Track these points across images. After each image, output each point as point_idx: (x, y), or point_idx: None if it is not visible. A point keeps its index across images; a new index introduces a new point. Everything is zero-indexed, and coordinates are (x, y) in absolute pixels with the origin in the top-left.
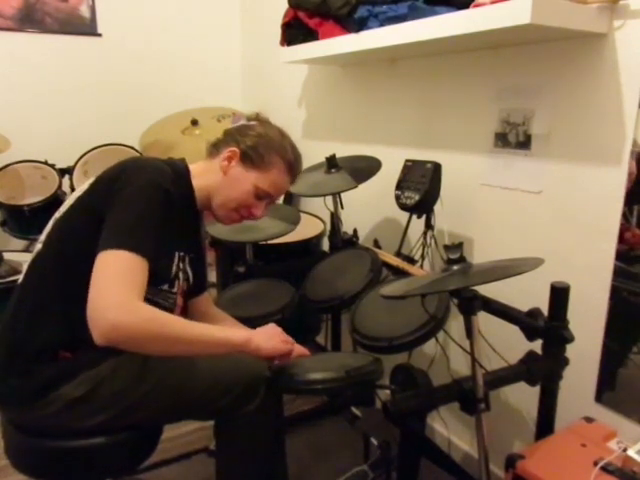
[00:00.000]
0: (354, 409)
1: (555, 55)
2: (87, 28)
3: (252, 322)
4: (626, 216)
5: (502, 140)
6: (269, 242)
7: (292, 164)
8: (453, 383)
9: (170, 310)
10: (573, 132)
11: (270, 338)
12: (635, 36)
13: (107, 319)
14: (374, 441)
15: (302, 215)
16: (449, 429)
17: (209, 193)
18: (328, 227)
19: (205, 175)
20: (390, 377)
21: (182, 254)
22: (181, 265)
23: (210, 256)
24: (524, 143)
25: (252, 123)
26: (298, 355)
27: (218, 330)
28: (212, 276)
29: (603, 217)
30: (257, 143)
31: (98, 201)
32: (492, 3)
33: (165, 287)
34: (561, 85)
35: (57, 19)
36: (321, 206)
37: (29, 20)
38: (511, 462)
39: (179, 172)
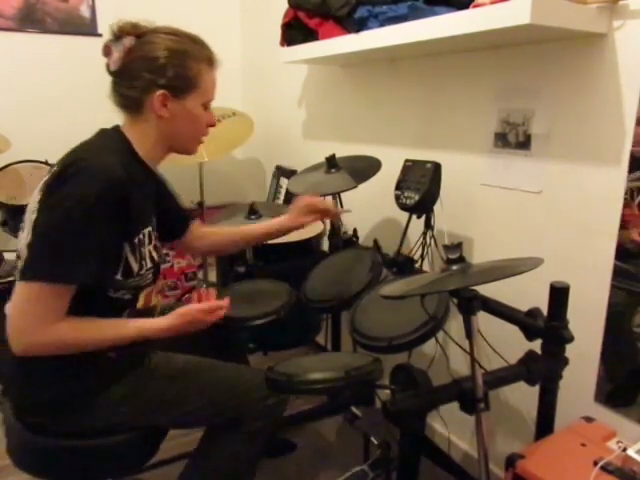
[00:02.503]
0: (354, 409)
1: (555, 55)
2: (87, 28)
3: (250, 322)
4: (632, 192)
5: (502, 140)
6: (269, 242)
7: (209, 57)
8: (453, 383)
9: (147, 285)
10: (573, 132)
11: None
12: (635, 36)
13: (19, 344)
14: (374, 441)
15: None
16: (449, 429)
17: (163, 146)
18: (328, 227)
19: (147, 136)
20: (390, 377)
21: (148, 230)
22: (146, 242)
23: (210, 256)
24: (524, 143)
25: (148, 46)
26: (216, 307)
27: (120, 329)
28: (212, 276)
29: (603, 217)
30: (174, 69)
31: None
32: (492, 3)
33: (136, 272)
34: (561, 85)
35: (57, 19)
36: None
37: (29, 20)
38: (511, 462)
39: (124, 150)
